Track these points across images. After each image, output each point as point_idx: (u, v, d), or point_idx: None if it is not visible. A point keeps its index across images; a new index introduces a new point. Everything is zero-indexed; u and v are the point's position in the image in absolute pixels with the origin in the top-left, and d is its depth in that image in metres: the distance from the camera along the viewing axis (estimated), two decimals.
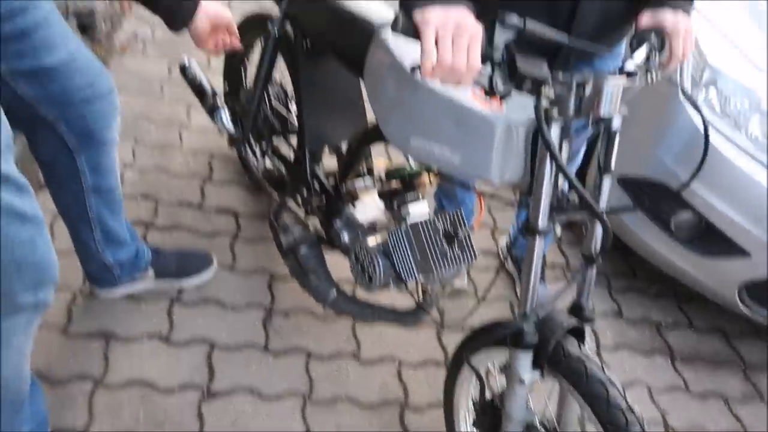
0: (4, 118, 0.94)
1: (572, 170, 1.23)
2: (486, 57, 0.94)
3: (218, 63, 2.57)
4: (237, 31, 1.47)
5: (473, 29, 0.90)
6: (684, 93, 1.68)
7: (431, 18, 0.89)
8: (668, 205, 1.88)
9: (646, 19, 1.22)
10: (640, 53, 1.18)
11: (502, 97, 0.98)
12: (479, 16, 0.94)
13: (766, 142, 1.77)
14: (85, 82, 1.31)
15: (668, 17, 1.20)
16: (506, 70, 0.96)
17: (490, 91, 0.96)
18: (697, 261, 1.91)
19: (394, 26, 0.92)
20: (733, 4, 1.93)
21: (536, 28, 0.95)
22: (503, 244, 2.19)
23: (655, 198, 1.90)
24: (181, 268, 1.79)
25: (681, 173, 1.82)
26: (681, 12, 1.20)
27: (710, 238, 1.85)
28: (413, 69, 0.93)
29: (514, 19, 0.93)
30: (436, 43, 0.89)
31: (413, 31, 0.91)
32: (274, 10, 1.73)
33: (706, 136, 1.07)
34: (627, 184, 1.97)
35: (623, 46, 1.44)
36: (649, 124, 1.86)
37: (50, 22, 1.22)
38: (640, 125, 1.85)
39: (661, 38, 1.19)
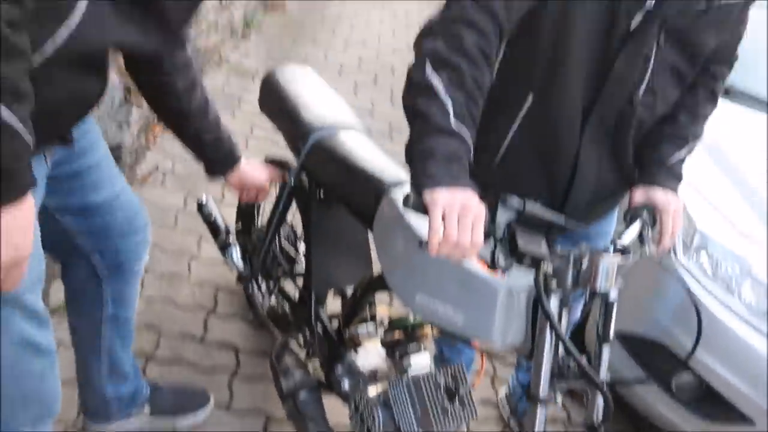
0: (40, 250, 0.98)
1: (572, 325, 1.28)
2: (489, 234, 1.01)
3: (232, 197, 2.68)
4: (267, 188, 1.64)
5: (477, 209, 0.98)
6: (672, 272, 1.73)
7: (439, 198, 0.97)
8: (669, 365, 1.88)
9: (639, 195, 1.32)
10: (634, 228, 1.26)
11: (504, 271, 1.04)
12: (482, 196, 1.02)
13: (764, 309, 1.80)
14: (125, 217, 1.39)
15: (659, 196, 1.29)
16: (507, 247, 1.03)
17: (492, 265, 1.03)
18: (700, 425, 1.87)
19: (406, 202, 1.00)
20: (717, 173, 2.05)
21: (535, 209, 1.03)
22: (503, 395, 2.16)
23: (656, 357, 1.90)
24: (178, 406, 1.78)
25: (678, 333, 1.84)
26: (671, 192, 1.30)
27: (713, 402, 1.84)
28: (421, 244, 0.99)
29: (514, 201, 1.01)
30: (443, 220, 0.97)
31: (423, 208, 0.99)
32: (290, 156, 1.85)
33: (698, 311, 1.11)
34: (626, 341, 1.98)
35: (615, 212, 1.52)
36: (645, 283, 1.91)
37: (102, 165, 1.32)
38: (637, 284, 1.90)
39: (653, 215, 1.28)
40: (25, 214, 0.83)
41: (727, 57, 1.36)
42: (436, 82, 1.03)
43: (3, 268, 0.83)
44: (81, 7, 0.88)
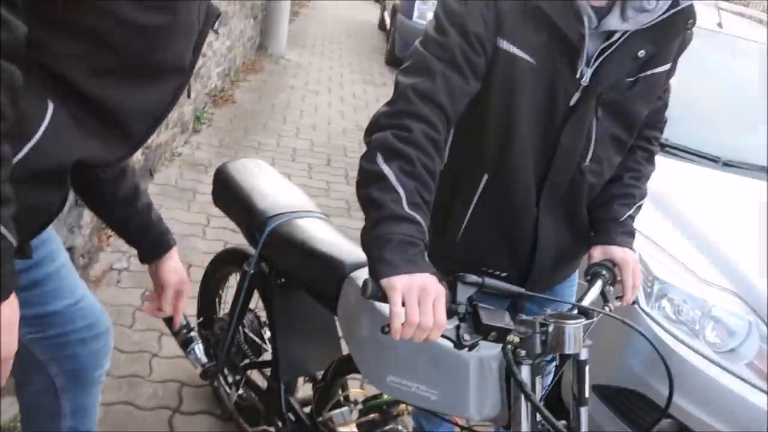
0: None
1: (546, 388, 1.28)
2: (451, 312, 1.01)
3: (192, 288, 2.63)
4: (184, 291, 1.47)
5: (436, 290, 0.98)
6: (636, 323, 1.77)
7: (397, 284, 0.97)
8: (647, 413, 1.89)
9: (597, 253, 1.36)
10: (596, 286, 1.28)
11: (470, 348, 1.03)
12: (443, 276, 1.03)
13: (728, 348, 1.84)
14: (85, 325, 1.33)
15: (617, 252, 1.33)
16: (471, 323, 1.03)
17: (458, 344, 1.02)
18: None
19: (364, 292, 1.00)
20: (665, 223, 2.13)
21: (494, 283, 1.04)
22: None
23: (634, 406, 1.91)
24: None
25: (652, 380, 1.86)
26: (627, 247, 1.34)
27: None
28: (383, 329, 0.99)
29: (473, 278, 1.02)
30: (404, 305, 0.97)
31: (381, 296, 0.99)
32: (249, 246, 1.84)
33: (664, 361, 1.12)
34: (603, 393, 1.98)
35: (576, 273, 1.56)
36: (614, 334, 1.93)
37: (61, 273, 1.27)
38: (606, 336, 1.92)
39: (612, 272, 1.31)
40: (10, 314, 0.86)
41: (658, 122, 1.47)
42: (388, 171, 1.06)
43: None
44: (43, 125, 0.89)
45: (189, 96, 1.19)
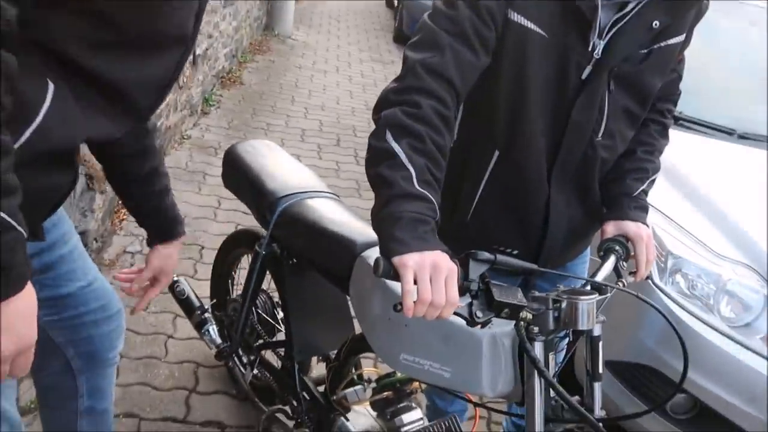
0: None
1: (560, 364, 1.28)
2: (464, 290, 1.00)
3: (205, 272, 2.65)
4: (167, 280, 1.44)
5: (448, 267, 0.97)
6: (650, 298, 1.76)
7: (408, 261, 0.96)
8: (661, 388, 1.88)
9: (610, 228, 1.34)
10: (609, 262, 1.27)
11: (483, 325, 1.03)
12: (455, 254, 1.02)
13: (743, 323, 1.83)
14: (98, 306, 1.35)
15: (630, 227, 1.32)
16: (484, 300, 1.02)
17: (471, 321, 1.02)
18: None
19: (376, 271, 0.99)
20: (678, 197, 2.11)
21: (506, 260, 1.03)
22: None
23: (647, 381, 1.91)
24: None
25: (666, 356, 1.85)
26: (640, 222, 1.33)
27: (710, 421, 1.84)
28: (395, 307, 0.98)
29: (485, 254, 1.01)
30: (416, 283, 0.96)
31: (393, 274, 0.98)
32: (261, 226, 1.84)
33: (680, 336, 1.11)
34: (616, 368, 1.98)
35: (588, 249, 1.54)
36: (628, 310, 1.92)
37: (74, 256, 1.28)
38: (619, 312, 1.92)
39: (625, 247, 1.30)
40: (27, 303, 0.85)
41: (672, 94, 1.44)
42: (398, 149, 1.04)
43: (11, 357, 0.85)
44: (45, 106, 0.88)
45: (194, 63, 1.18)
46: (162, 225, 1.39)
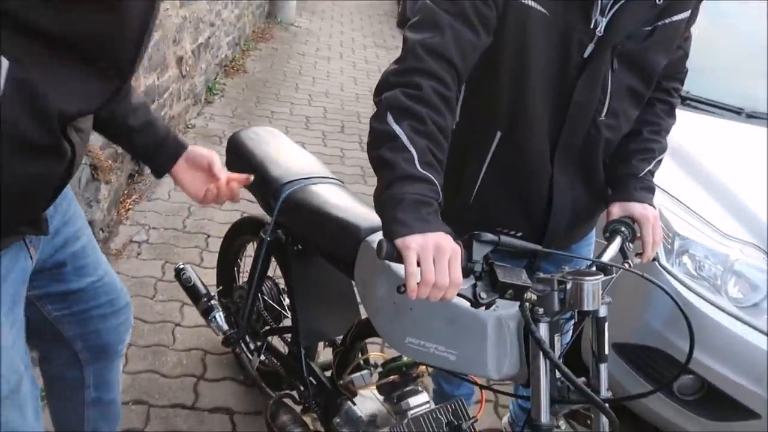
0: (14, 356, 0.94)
1: (565, 345, 1.27)
2: (467, 271, 1.00)
3: (211, 259, 2.66)
4: (223, 173, 1.40)
5: (452, 248, 0.97)
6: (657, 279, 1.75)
7: (411, 243, 0.96)
8: (667, 369, 1.88)
9: (616, 209, 1.33)
10: (615, 243, 1.26)
11: (488, 306, 1.02)
12: (458, 236, 1.01)
13: (751, 302, 1.82)
14: (107, 300, 1.34)
15: (636, 208, 1.31)
16: (488, 281, 1.01)
17: (475, 302, 1.01)
18: (707, 425, 1.86)
19: (379, 253, 0.98)
20: (684, 177, 2.09)
21: (510, 241, 1.03)
22: (506, 421, 2.13)
23: (654, 362, 1.90)
24: None
25: (672, 337, 1.85)
26: (647, 203, 1.31)
27: (717, 401, 1.84)
28: (399, 289, 0.98)
29: (488, 236, 1.00)
30: (419, 264, 0.96)
31: (397, 257, 0.98)
32: (265, 215, 1.84)
33: (686, 317, 1.10)
34: (622, 350, 1.98)
35: (593, 231, 1.53)
36: (634, 292, 1.92)
37: (87, 251, 1.26)
38: (625, 294, 1.92)
39: (631, 229, 1.29)
40: None
41: (678, 72, 1.41)
42: (399, 131, 1.04)
43: None
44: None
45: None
46: (162, 142, 1.29)
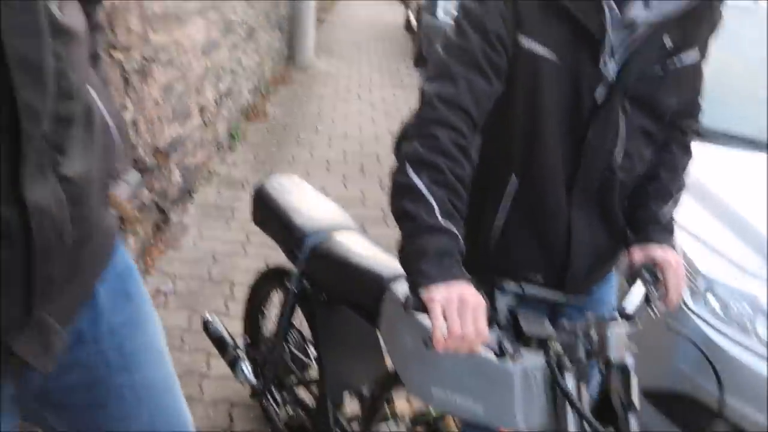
0: None
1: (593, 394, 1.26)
2: (492, 321, 1.01)
3: (237, 309, 2.68)
4: None
5: (475, 300, 0.99)
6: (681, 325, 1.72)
7: (436, 295, 0.98)
8: (701, 416, 1.83)
9: (637, 255, 1.33)
10: (638, 289, 1.26)
11: (513, 357, 1.03)
12: (480, 284, 1.03)
13: None
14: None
15: (658, 252, 1.31)
16: (512, 332, 1.03)
17: (500, 354, 1.02)
18: None
19: (406, 305, 1.01)
20: (706, 214, 2.07)
21: (534, 291, 1.04)
22: None
23: (685, 410, 1.86)
24: None
25: (703, 382, 1.80)
26: (667, 246, 1.31)
27: None
28: (426, 342, 0.99)
29: (511, 287, 1.02)
30: (444, 316, 0.97)
31: (423, 307, 1.00)
32: (291, 264, 1.86)
33: (711, 363, 1.09)
34: (653, 397, 1.93)
35: (614, 276, 1.53)
36: (661, 335, 1.89)
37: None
38: (652, 338, 1.89)
39: (654, 273, 1.29)
40: None
41: (692, 111, 1.42)
42: (419, 183, 1.07)
43: None
44: None
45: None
46: None
